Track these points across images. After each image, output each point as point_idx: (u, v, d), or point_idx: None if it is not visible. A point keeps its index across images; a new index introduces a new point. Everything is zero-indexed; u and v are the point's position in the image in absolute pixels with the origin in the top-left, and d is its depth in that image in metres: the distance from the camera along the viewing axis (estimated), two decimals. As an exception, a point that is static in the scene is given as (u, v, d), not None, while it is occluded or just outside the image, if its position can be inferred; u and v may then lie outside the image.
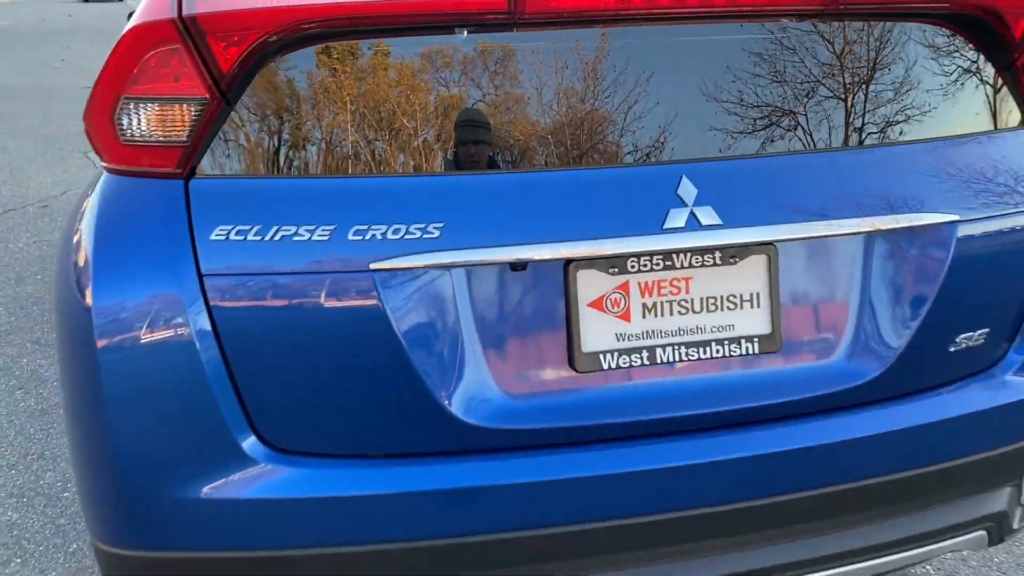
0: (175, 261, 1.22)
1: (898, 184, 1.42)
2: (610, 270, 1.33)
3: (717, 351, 1.38)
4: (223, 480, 1.27)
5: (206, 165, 1.25)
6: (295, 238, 1.22)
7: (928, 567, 2.22)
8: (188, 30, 1.20)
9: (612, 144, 1.35)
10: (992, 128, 1.53)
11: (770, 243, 1.36)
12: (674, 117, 1.35)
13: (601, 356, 1.34)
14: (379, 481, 1.30)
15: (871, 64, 1.46)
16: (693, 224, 1.30)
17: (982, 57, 1.52)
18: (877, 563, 1.54)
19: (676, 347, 1.36)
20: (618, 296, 1.34)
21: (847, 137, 1.44)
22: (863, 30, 1.45)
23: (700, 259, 1.36)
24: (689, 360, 1.37)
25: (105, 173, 1.33)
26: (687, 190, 1.31)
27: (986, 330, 1.49)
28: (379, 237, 1.23)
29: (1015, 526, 1.68)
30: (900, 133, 1.46)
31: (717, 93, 1.37)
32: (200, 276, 1.22)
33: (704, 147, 1.36)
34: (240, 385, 1.25)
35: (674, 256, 1.34)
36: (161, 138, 1.24)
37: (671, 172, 1.32)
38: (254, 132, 1.27)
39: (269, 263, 1.22)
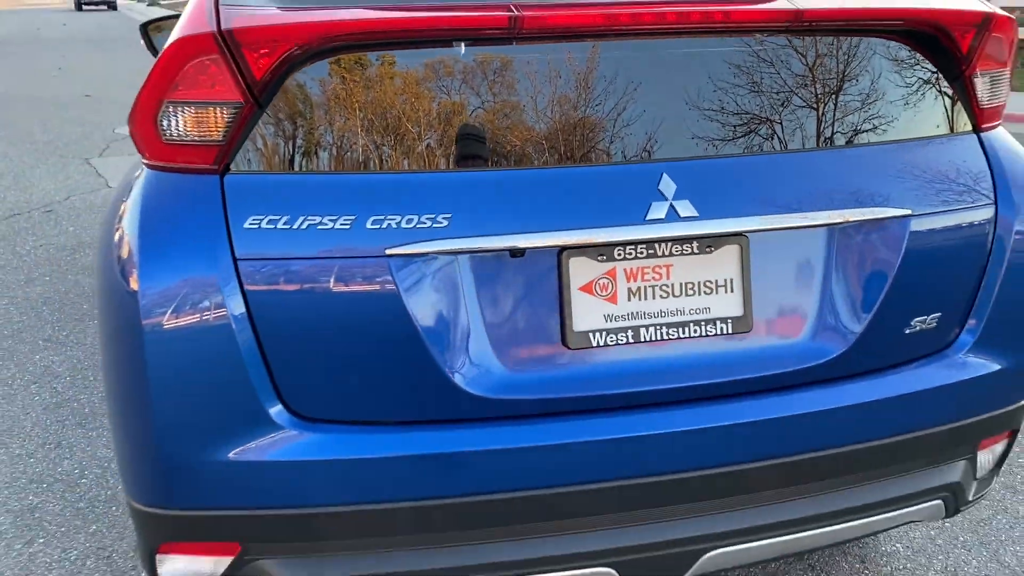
0: (213, 247, 1.36)
1: (858, 181, 1.57)
2: (599, 257, 1.48)
3: (695, 331, 1.53)
4: (252, 444, 1.41)
5: (239, 162, 1.40)
6: (319, 227, 1.37)
7: (897, 544, 2.37)
8: (226, 42, 1.35)
9: (600, 144, 1.49)
10: (944, 132, 1.69)
11: (742, 234, 1.51)
12: (656, 120, 1.50)
13: (591, 335, 1.49)
14: (391, 445, 1.44)
15: (835, 74, 1.61)
16: (673, 216, 1.46)
17: (935, 68, 1.67)
18: (845, 527, 1.67)
19: (658, 327, 1.51)
20: (606, 281, 1.49)
21: (813, 139, 1.59)
22: (828, 44, 1.60)
23: (679, 248, 1.51)
24: (669, 339, 1.52)
25: (145, 170, 1.47)
26: (667, 186, 1.46)
27: (938, 314, 1.65)
28: (394, 226, 1.38)
29: (970, 498, 1.83)
30: (860, 136, 1.61)
31: (695, 99, 1.52)
32: (235, 261, 1.36)
33: (683, 147, 1.51)
34: (269, 358, 1.39)
35: (656, 245, 1.49)
36: (200, 138, 1.39)
37: (653, 170, 1.47)
38: (282, 132, 1.41)
39: (296, 249, 1.37)
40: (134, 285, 1.39)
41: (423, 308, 1.41)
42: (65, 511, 2.56)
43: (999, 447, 1.85)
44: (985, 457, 1.82)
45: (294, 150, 1.42)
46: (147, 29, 3.38)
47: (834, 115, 1.61)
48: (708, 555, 1.59)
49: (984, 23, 1.62)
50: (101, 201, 6.04)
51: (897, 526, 1.80)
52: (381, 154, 1.44)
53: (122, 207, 1.51)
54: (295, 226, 1.37)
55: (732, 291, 1.54)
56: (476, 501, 1.46)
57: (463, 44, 1.42)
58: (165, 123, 1.40)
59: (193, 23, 1.40)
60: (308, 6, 1.44)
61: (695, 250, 1.52)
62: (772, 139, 1.57)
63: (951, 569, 2.26)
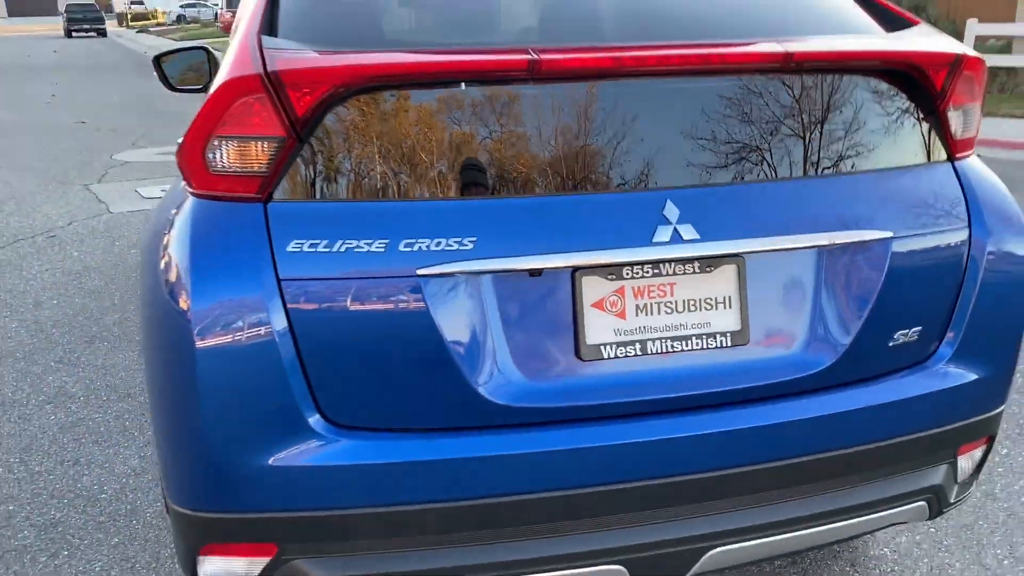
0: (259, 270, 1.49)
1: (844, 207, 1.72)
2: (609, 276, 1.62)
3: (697, 344, 1.66)
4: (292, 451, 1.53)
5: (282, 190, 1.53)
6: (356, 250, 1.50)
7: (885, 549, 2.50)
8: (272, 83, 1.48)
9: (610, 173, 1.63)
10: (921, 161, 1.84)
11: (738, 255, 1.65)
12: (660, 151, 1.64)
13: (602, 347, 1.62)
14: (419, 450, 1.56)
15: (822, 108, 1.75)
16: (676, 239, 1.60)
17: (913, 104, 1.82)
18: (837, 527, 1.80)
19: (663, 340, 1.65)
20: (616, 298, 1.63)
21: (802, 167, 1.73)
22: (816, 81, 1.75)
23: (682, 268, 1.64)
24: (674, 351, 1.65)
25: (191, 199, 1.60)
26: (671, 211, 1.60)
27: (919, 328, 1.79)
28: (424, 248, 1.51)
29: (952, 500, 1.96)
30: (846, 164, 1.76)
31: (695, 132, 1.66)
32: (279, 282, 1.49)
33: (686, 176, 1.65)
34: (309, 371, 1.52)
35: (661, 265, 1.63)
36: (245, 169, 1.52)
37: (658, 197, 1.61)
38: (321, 163, 1.54)
39: (335, 270, 1.50)
40: (185, 306, 1.50)
41: (450, 323, 1.54)
42: (87, 524, 2.65)
43: (978, 453, 1.98)
44: (965, 462, 1.95)
45: (332, 180, 1.55)
46: (160, 61, 3.52)
47: (821, 145, 1.75)
48: (710, 553, 1.71)
49: (956, 63, 1.77)
50: (104, 226, 6.14)
51: (886, 526, 1.92)
52: (411, 183, 1.57)
53: (167, 235, 1.62)
54: (334, 249, 1.50)
55: (730, 307, 1.67)
56: (498, 502, 1.58)
57: (465, 85, 1.56)
58: (212, 156, 1.53)
59: (240, 65, 1.53)
60: (343, 49, 1.58)
61: (696, 269, 1.65)
62: (765, 168, 1.71)
63: (936, 571, 2.39)
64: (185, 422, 1.55)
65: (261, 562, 1.61)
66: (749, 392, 1.67)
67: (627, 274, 1.62)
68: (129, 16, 61.08)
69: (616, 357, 1.62)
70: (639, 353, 1.63)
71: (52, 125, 11.51)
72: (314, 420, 1.54)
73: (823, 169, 1.75)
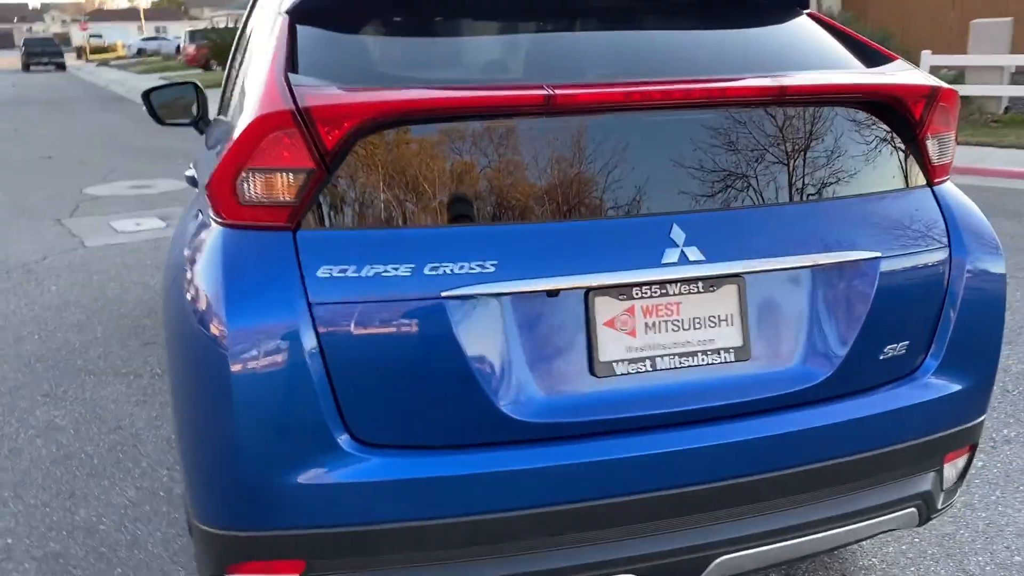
0: (290, 295, 1.55)
1: (835, 229, 1.83)
2: (620, 296, 1.71)
3: (702, 360, 1.76)
4: (321, 469, 1.58)
5: (310, 219, 1.60)
6: (383, 274, 1.57)
7: (873, 559, 2.59)
8: (302, 118, 1.56)
9: (619, 199, 1.72)
10: (904, 187, 1.96)
11: (739, 275, 1.76)
12: (666, 178, 1.74)
13: (614, 364, 1.70)
14: (443, 466, 1.62)
15: (812, 138, 1.87)
16: (683, 260, 1.69)
17: (894, 133, 1.95)
18: (836, 533, 1.89)
19: (671, 356, 1.74)
20: (626, 317, 1.72)
21: (797, 193, 1.85)
22: (809, 113, 1.87)
23: (687, 288, 1.74)
24: (681, 367, 1.74)
25: (221, 229, 1.66)
26: (678, 234, 1.70)
27: (906, 342, 1.90)
28: (448, 272, 1.59)
29: (939, 506, 2.07)
30: (836, 190, 1.88)
31: (699, 161, 1.77)
32: (309, 306, 1.55)
33: (691, 201, 1.75)
34: (337, 391, 1.58)
35: (668, 285, 1.73)
36: (275, 200, 1.59)
37: (665, 221, 1.71)
38: (348, 193, 1.62)
39: (363, 294, 1.57)
40: (219, 331, 1.56)
41: (472, 343, 1.61)
42: (88, 556, 2.66)
43: (961, 461, 2.10)
44: (950, 470, 2.06)
45: (358, 208, 1.63)
46: (148, 96, 3.59)
47: (812, 172, 1.87)
48: (717, 561, 1.79)
49: (932, 94, 1.91)
50: (80, 260, 6.11)
51: (879, 532, 2.02)
52: (434, 210, 1.65)
53: (194, 265, 1.69)
54: (362, 274, 1.57)
55: (733, 325, 1.77)
56: (518, 515, 1.64)
57: (504, 118, 1.65)
58: (243, 187, 1.60)
59: (271, 101, 1.61)
60: (368, 86, 1.66)
61: (700, 289, 1.75)
62: (762, 193, 1.82)
63: (922, 578, 2.49)
64: (218, 444, 1.60)
65: (289, 579, 1.66)
66: (752, 405, 1.77)
67: (637, 294, 1.71)
68: (88, 49, 60.69)
69: (628, 373, 1.71)
70: (649, 369, 1.72)
71: (17, 160, 11.40)
72: (343, 439, 1.60)
73: (815, 194, 1.86)
